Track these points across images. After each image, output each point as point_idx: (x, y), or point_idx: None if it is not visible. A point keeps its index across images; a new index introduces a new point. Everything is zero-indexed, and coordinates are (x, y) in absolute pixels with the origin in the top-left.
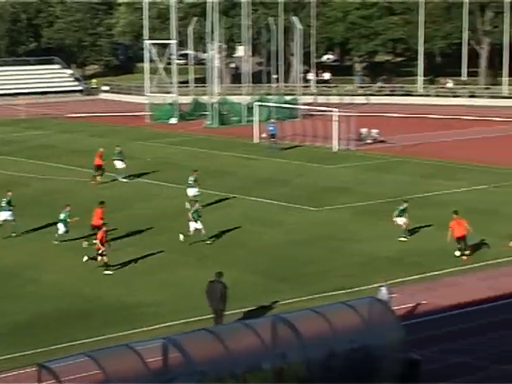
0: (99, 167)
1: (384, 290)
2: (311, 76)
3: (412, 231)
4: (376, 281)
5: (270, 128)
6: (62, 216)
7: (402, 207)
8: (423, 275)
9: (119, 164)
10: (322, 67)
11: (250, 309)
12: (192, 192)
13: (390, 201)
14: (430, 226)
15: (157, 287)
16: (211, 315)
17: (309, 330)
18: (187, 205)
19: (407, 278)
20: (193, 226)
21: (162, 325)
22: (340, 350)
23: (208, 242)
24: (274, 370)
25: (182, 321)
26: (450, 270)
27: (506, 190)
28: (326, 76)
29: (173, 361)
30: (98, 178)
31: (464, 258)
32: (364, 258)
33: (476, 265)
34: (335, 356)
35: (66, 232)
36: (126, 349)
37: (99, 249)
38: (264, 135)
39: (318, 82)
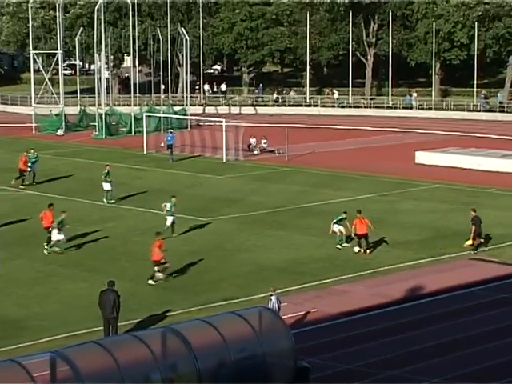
0: (22, 172)
1: (273, 299)
2: (207, 87)
3: (299, 240)
4: (265, 290)
5: (168, 138)
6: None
7: (340, 216)
8: (311, 284)
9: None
10: (211, 78)
11: (140, 319)
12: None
13: (278, 210)
14: (314, 235)
15: (42, 300)
16: (101, 327)
17: (199, 341)
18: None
19: (296, 287)
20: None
21: (49, 338)
22: (231, 360)
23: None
24: (165, 381)
25: (70, 333)
26: (338, 278)
27: (391, 199)
28: (223, 87)
29: (61, 375)
30: (15, 182)
31: (367, 252)
32: (253, 268)
33: (363, 273)
34: (226, 365)
35: None
36: (11, 363)
37: None
38: (162, 144)
39: (214, 92)
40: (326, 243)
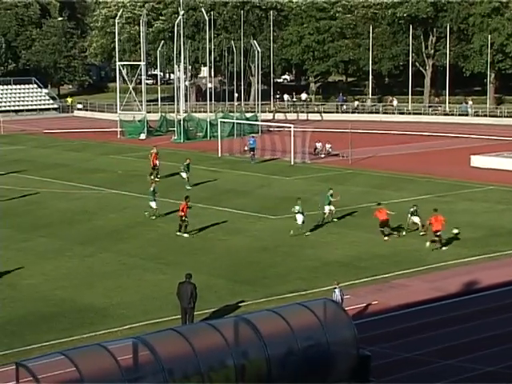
0: (154, 167)
1: (337, 292)
2: (286, 96)
3: (361, 238)
4: (329, 283)
5: (251, 141)
6: None
7: (412, 209)
8: (372, 278)
9: (184, 174)
10: (281, 87)
11: (214, 309)
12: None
13: (341, 209)
14: (375, 233)
15: (125, 290)
16: (179, 316)
17: (268, 329)
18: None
19: (358, 281)
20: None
21: (131, 325)
22: (298, 348)
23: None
24: (237, 366)
25: (150, 321)
26: (397, 273)
27: (447, 200)
28: (303, 96)
29: (142, 359)
30: (152, 178)
31: (443, 248)
32: (317, 262)
33: (421, 268)
34: (293, 353)
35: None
36: (98, 348)
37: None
38: (246, 148)
39: (296, 101)
40: (386, 241)
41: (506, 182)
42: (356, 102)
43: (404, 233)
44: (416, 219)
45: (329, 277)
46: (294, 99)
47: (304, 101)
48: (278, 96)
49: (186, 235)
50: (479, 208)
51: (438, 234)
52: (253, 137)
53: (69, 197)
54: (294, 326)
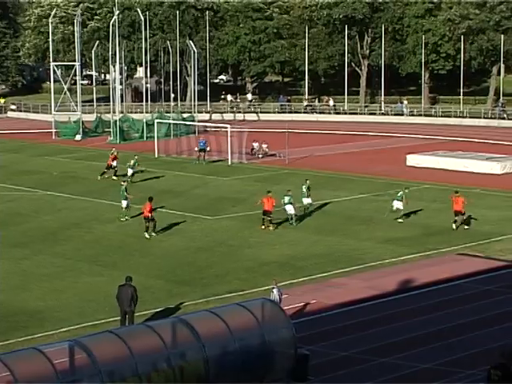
0: (109, 167)
1: (275, 292)
2: (229, 97)
3: (299, 237)
4: (268, 283)
5: (201, 144)
6: None
7: (401, 192)
8: (310, 277)
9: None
10: (217, 87)
11: (153, 311)
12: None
13: (279, 210)
14: (312, 232)
15: (61, 293)
16: (117, 318)
17: (207, 330)
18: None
19: (296, 281)
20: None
21: (68, 328)
22: (235, 348)
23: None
24: (175, 368)
25: (87, 324)
26: (335, 272)
27: (384, 199)
28: (249, 97)
29: (79, 362)
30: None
31: (465, 227)
32: (256, 263)
33: (358, 267)
34: (231, 353)
35: None
36: (34, 351)
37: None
38: (196, 149)
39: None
40: (323, 240)
41: (441, 180)
42: (330, 102)
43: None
44: (399, 204)
45: (267, 277)
46: (238, 100)
47: (250, 101)
48: (222, 96)
49: (154, 234)
50: (415, 207)
51: (458, 216)
52: (202, 138)
53: (2, 199)
54: (232, 327)
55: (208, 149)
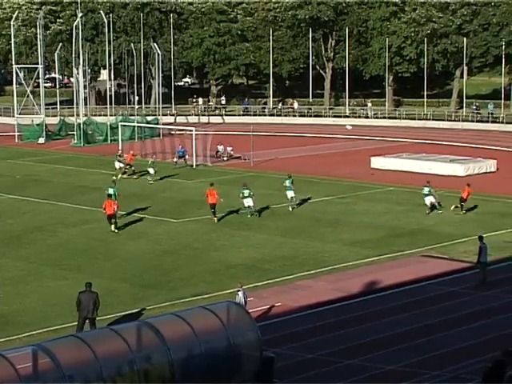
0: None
1: (241, 294)
2: (201, 100)
3: (264, 240)
4: (233, 286)
5: (180, 152)
6: None
7: (427, 189)
8: (276, 280)
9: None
10: (182, 90)
11: (118, 315)
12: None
13: (244, 212)
14: (278, 235)
15: (24, 297)
16: (76, 323)
17: (172, 333)
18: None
19: (261, 283)
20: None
21: (31, 333)
22: (201, 351)
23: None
24: (140, 371)
25: (51, 328)
26: (300, 274)
27: (348, 201)
28: (223, 100)
29: (42, 367)
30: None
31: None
32: (221, 265)
33: (324, 269)
34: (196, 356)
35: None
36: None
37: None
38: (175, 159)
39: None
40: (289, 242)
41: (405, 183)
42: (295, 104)
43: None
44: (430, 198)
45: (232, 279)
46: (210, 103)
47: (223, 105)
48: (194, 100)
49: (116, 231)
50: (379, 209)
51: (463, 202)
52: (182, 147)
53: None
54: (197, 330)
55: (187, 156)
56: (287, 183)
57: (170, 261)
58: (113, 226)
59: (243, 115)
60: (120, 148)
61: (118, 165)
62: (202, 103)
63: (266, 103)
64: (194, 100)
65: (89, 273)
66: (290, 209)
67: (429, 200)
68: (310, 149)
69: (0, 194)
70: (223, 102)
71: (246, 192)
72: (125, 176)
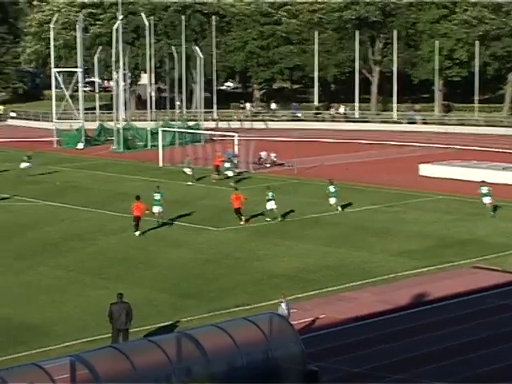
0: (217, 167)
1: (283, 306)
2: (248, 105)
3: (308, 249)
4: (276, 297)
5: (229, 155)
6: None
7: (270, 193)
8: (320, 291)
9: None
10: (224, 94)
11: (157, 326)
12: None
13: (287, 221)
14: (322, 244)
15: (63, 306)
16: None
17: (212, 345)
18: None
19: (305, 294)
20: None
21: (69, 343)
22: (242, 364)
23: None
24: None
25: (90, 339)
26: (345, 285)
27: (396, 210)
28: (273, 105)
29: (80, 378)
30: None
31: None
32: (263, 275)
33: (370, 280)
34: (237, 369)
35: None
36: (33, 367)
37: None
38: (227, 164)
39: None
40: (334, 252)
41: (455, 191)
42: (341, 109)
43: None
44: (487, 199)
45: (275, 290)
46: (259, 108)
47: (273, 110)
48: (241, 105)
49: (136, 233)
50: (428, 218)
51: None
52: (231, 150)
53: (2, 209)
54: (239, 342)
55: (236, 161)
56: (331, 189)
57: (211, 270)
58: (138, 231)
59: (286, 120)
60: (188, 154)
61: (188, 171)
62: (249, 108)
63: (318, 108)
64: (242, 105)
65: (128, 282)
66: (339, 208)
67: (488, 200)
68: (356, 155)
69: (38, 201)
70: (273, 107)
71: (270, 194)
72: (216, 178)
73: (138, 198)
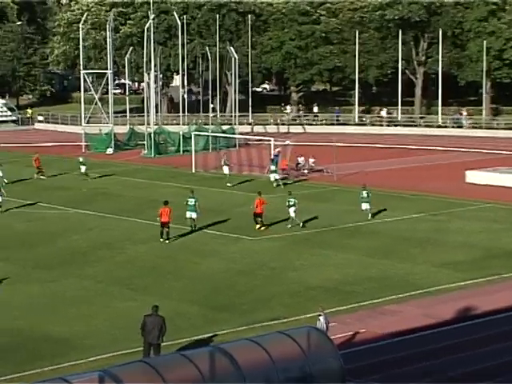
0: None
1: (322, 319)
2: (289, 108)
3: (348, 259)
4: (313, 310)
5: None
6: None
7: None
8: (360, 304)
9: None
10: (260, 97)
11: (188, 340)
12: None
13: (326, 230)
14: (363, 254)
15: (91, 319)
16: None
17: (247, 360)
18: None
19: (344, 307)
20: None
21: (98, 357)
22: (279, 379)
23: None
24: None
25: (119, 352)
26: (388, 298)
27: (440, 219)
28: (315, 109)
29: None
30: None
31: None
32: (300, 287)
33: (413, 293)
34: None
35: None
36: (61, 382)
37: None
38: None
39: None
40: (375, 263)
41: (504, 199)
42: (383, 112)
43: None
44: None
45: (313, 302)
46: (300, 111)
47: (315, 113)
48: (282, 108)
49: (167, 241)
50: (474, 227)
51: None
52: (277, 152)
53: (28, 217)
54: (275, 357)
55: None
56: (364, 194)
57: (244, 281)
58: (164, 235)
59: (326, 124)
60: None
61: (226, 169)
62: (290, 111)
63: (365, 112)
64: (283, 108)
65: (157, 293)
66: (369, 216)
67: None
68: (399, 161)
69: (66, 209)
70: (315, 110)
71: (292, 201)
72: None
73: (165, 202)
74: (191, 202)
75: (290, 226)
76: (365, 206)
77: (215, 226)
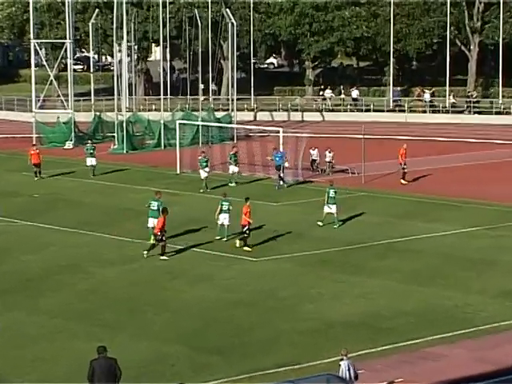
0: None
1: (344, 365)
2: (328, 93)
3: (379, 287)
4: (334, 353)
5: (277, 158)
6: None
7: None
8: (395, 345)
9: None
10: (265, 74)
11: None
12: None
13: (351, 248)
14: (399, 280)
15: (45, 363)
16: None
17: None
18: None
19: (375, 350)
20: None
21: None
22: None
23: None
24: None
25: None
26: (431, 338)
27: (500, 233)
28: (354, 94)
29: None
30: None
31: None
32: (317, 323)
33: (465, 331)
34: None
35: None
36: None
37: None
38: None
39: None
40: (415, 291)
41: None
42: (426, 95)
43: None
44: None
45: (334, 343)
46: (342, 96)
47: (355, 99)
48: (321, 93)
49: (164, 257)
50: None
51: None
52: (278, 150)
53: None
54: None
55: (287, 164)
56: (332, 193)
57: (244, 315)
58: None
59: (351, 111)
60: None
61: (203, 173)
62: (330, 95)
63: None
64: (321, 93)
65: (132, 330)
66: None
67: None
68: (447, 159)
69: (13, 221)
70: (354, 95)
71: (226, 205)
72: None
73: (164, 211)
74: (154, 206)
75: (218, 237)
76: (331, 208)
77: (207, 243)
